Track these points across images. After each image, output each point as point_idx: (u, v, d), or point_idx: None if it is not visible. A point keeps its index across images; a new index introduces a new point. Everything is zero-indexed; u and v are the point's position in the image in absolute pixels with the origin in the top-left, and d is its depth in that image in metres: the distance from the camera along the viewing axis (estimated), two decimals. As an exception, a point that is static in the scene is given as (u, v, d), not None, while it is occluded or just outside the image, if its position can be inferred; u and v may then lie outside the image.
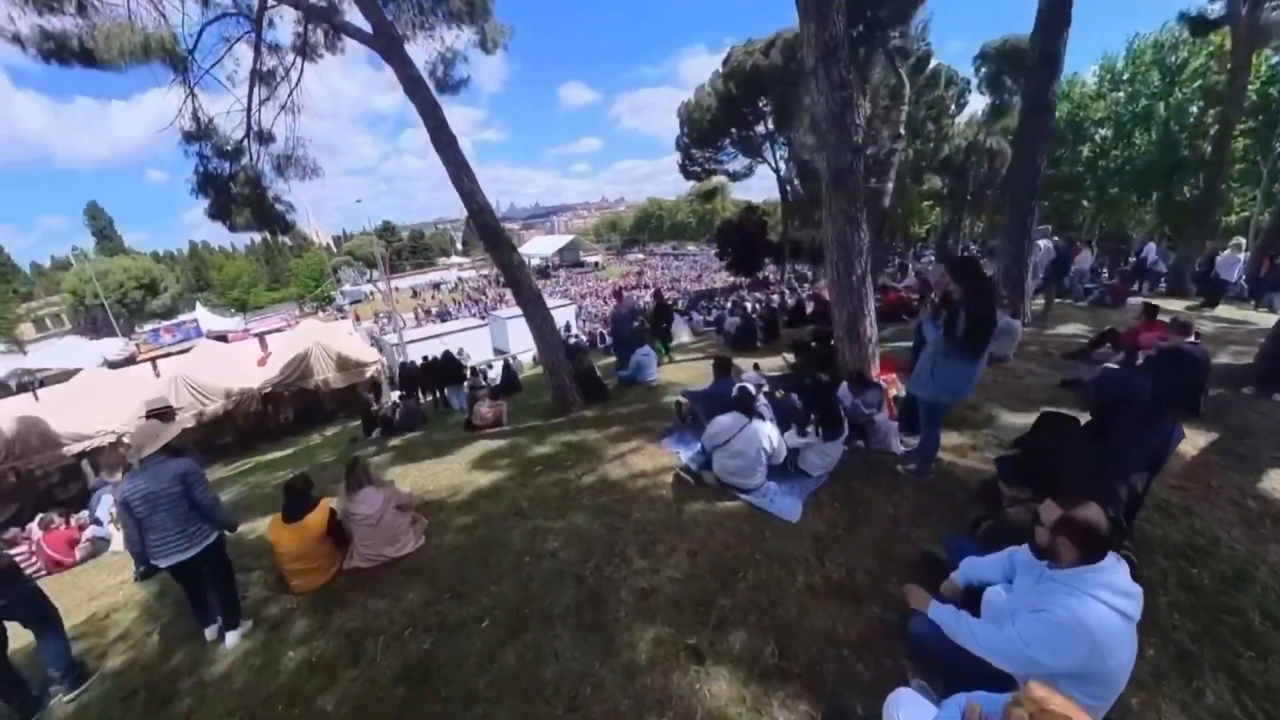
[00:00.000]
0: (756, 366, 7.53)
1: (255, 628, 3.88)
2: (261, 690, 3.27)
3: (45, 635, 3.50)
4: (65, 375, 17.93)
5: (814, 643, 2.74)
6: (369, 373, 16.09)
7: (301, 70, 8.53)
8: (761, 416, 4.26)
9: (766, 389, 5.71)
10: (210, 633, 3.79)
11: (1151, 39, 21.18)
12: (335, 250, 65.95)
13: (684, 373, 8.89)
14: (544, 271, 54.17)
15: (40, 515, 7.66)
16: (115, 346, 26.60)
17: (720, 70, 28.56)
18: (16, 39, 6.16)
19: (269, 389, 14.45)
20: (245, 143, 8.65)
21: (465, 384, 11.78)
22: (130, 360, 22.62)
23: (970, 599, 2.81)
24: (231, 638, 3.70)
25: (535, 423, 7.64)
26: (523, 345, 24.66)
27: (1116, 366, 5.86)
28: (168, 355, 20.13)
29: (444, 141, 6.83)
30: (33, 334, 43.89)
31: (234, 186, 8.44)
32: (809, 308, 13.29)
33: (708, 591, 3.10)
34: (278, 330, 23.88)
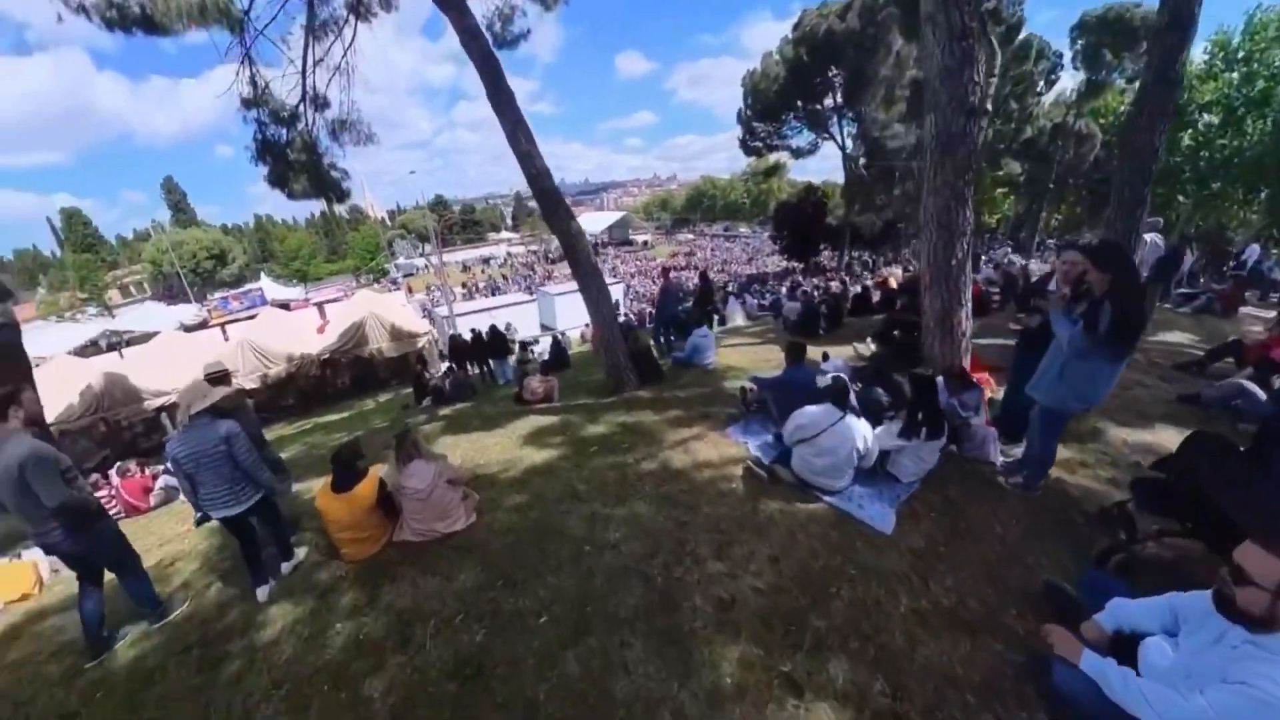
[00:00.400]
0: (826, 356, 6.95)
1: (305, 594, 3.80)
2: (308, 664, 3.13)
3: (127, 575, 3.63)
4: (146, 337, 19.34)
5: (930, 681, 2.31)
6: (420, 343, 16.51)
7: (355, 29, 8.38)
8: (856, 412, 3.77)
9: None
10: (262, 594, 3.79)
11: (1276, 13, 18.45)
12: (390, 224, 68.03)
13: (741, 357, 8.39)
14: (593, 249, 54.06)
15: (118, 464, 8.17)
16: (190, 312, 28.46)
17: (790, 35, 26.89)
18: (82, 8, 6.14)
19: (327, 355, 15.27)
20: (301, 107, 8.63)
21: (513, 358, 11.66)
22: (203, 325, 24.33)
23: (1119, 647, 2.32)
24: (286, 567, 3.94)
25: (587, 400, 7.37)
26: (570, 322, 24.60)
27: (1247, 383, 4.98)
28: (235, 321, 21.35)
29: (501, 98, 6.47)
30: (119, 299, 47.49)
31: (290, 153, 8.47)
32: (874, 296, 12.44)
33: (797, 608, 2.70)
34: (335, 300, 24.85)
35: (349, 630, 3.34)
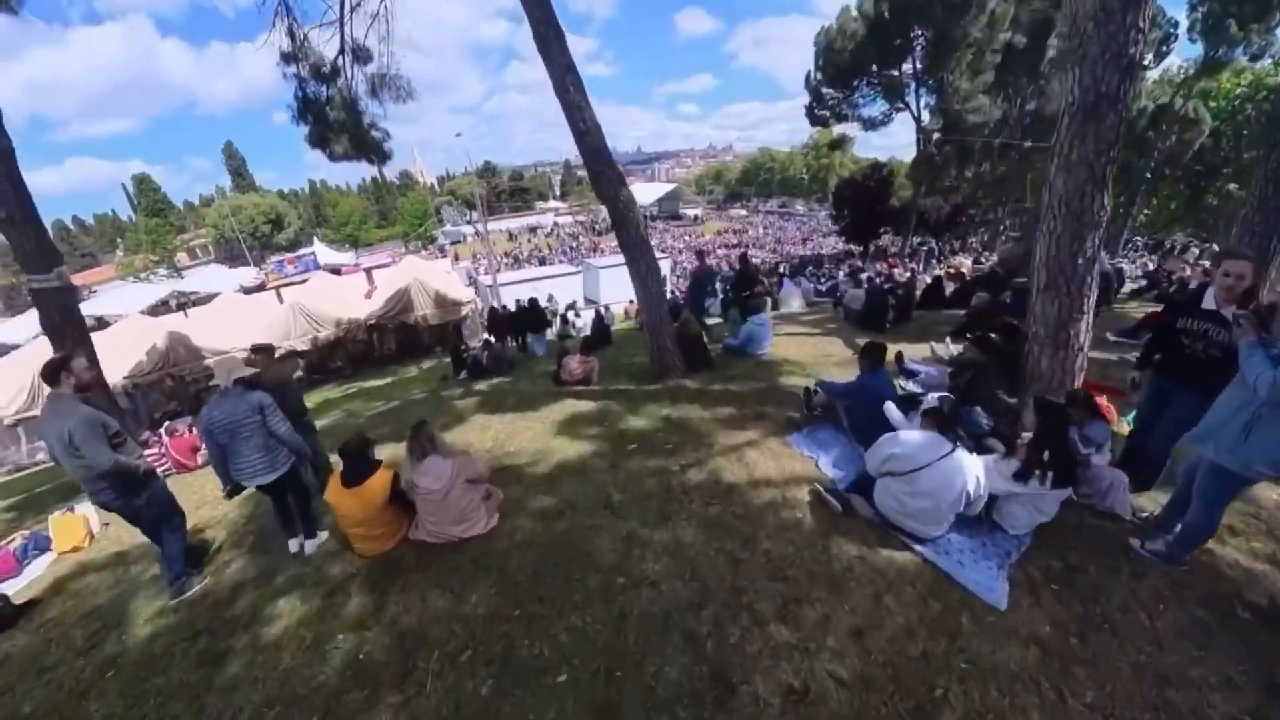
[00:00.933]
0: (901, 357, 6.10)
1: (315, 589, 3.57)
2: (303, 682, 2.83)
3: (167, 537, 3.74)
4: (208, 298, 20.45)
5: None
6: (464, 312, 16.44)
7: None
8: (967, 445, 3.02)
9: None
10: (294, 544, 3.99)
11: None
12: (438, 190, 68.47)
13: (798, 349, 7.58)
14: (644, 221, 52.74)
15: (167, 423, 8.31)
16: (249, 275, 29.55)
17: (872, -10, 24.32)
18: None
19: (373, 320, 15.52)
20: (340, 59, 8.25)
21: (550, 331, 11.20)
22: (260, 287, 25.34)
23: None
24: (310, 545, 3.96)
25: (628, 386, 6.80)
26: (615, 296, 23.99)
27: None
28: (290, 285, 22.07)
29: (550, 35, 5.69)
30: (187, 261, 50.25)
31: (330, 111, 8.16)
32: (947, 287, 11.21)
33: (895, 716, 2.07)
34: (384, 266, 25.15)
35: (350, 646, 2.99)
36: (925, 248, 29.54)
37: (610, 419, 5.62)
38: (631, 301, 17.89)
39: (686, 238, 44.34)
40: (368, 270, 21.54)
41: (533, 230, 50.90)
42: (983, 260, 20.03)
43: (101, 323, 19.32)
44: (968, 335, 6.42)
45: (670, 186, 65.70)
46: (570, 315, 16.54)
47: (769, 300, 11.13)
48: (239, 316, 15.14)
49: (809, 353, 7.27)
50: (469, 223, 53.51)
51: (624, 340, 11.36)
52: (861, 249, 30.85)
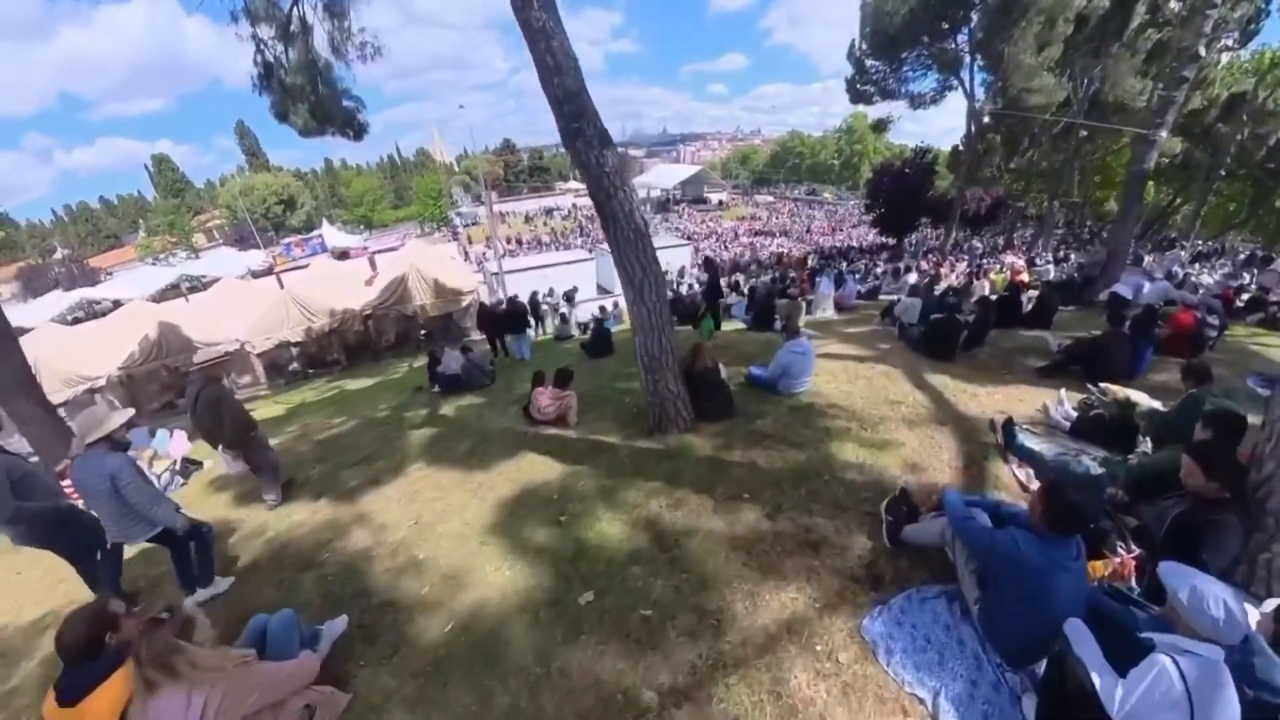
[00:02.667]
0: (1008, 430, 4.09)
1: None
2: None
3: (99, 567, 3.51)
4: (214, 283, 19.51)
5: None
6: (465, 302, 15.05)
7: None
8: None
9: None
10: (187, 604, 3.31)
11: None
12: (456, 169, 66.31)
13: (846, 381, 5.54)
14: (664, 205, 50.09)
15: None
16: (258, 258, 28.49)
17: (929, -53, 21.16)
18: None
19: (369, 311, 14.44)
20: (295, 9, 6.57)
21: (543, 327, 9.32)
22: (269, 271, 24.29)
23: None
24: (200, 594, 3.53)
25: (613, 438, 4.93)
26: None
27: None
28: (297, 268, 20.90)
29: None
30: (204, 243, 49.17)
31: (288, 76, 6.94)
32: (1025, 301, 8.99)
33: None
34: (390, 250, 23.65)
35: None
36: (969, 244, 26.69)
37: (572, 510, 3.77)
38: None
39: (709, 223, 41.84)
40: (371, 256, 20.17)
41: (549, 212, 48.73)
42: (1036, 262, 17.43)
43: (117, 306, 18.80)
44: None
45: (694, 169, 62.47)
46: (566, 309, 14.61)
47: (801, 308, 9.07)
48: (235, 304, 14.47)
49: (863, 393, 5.26)
50: (483, 204, 51.47)
51: (629, 347, 9.49)
52: (896, 242, 28.15)
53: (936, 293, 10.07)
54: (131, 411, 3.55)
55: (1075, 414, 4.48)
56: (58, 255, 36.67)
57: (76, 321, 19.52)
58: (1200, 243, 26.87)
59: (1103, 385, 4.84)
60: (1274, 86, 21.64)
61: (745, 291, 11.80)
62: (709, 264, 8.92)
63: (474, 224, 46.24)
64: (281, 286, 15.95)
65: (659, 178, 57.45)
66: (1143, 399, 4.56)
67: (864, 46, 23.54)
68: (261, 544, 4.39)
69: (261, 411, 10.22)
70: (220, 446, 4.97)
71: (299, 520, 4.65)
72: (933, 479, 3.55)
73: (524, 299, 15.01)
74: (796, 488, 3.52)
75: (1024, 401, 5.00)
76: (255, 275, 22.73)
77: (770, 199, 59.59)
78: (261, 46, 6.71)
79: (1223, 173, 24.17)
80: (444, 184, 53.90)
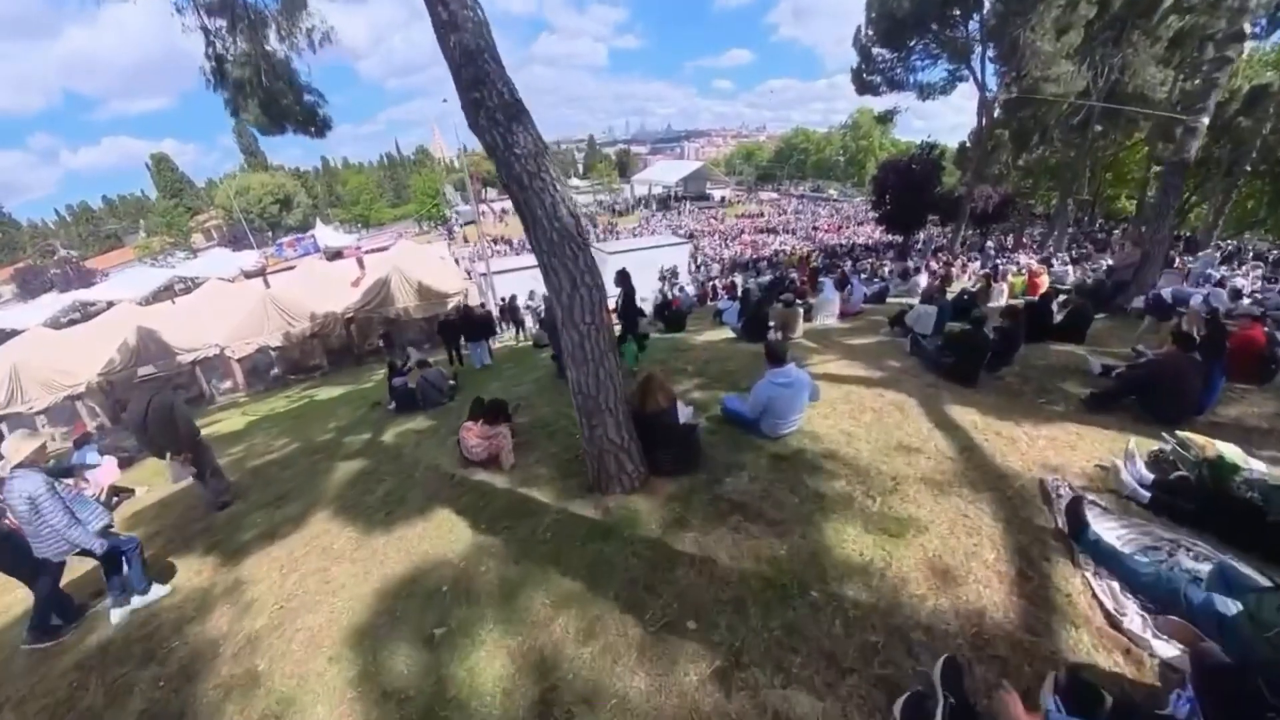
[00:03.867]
0: (1076, 512, 2.92)
1: None
2: None
3: (36, 585, 3.49)
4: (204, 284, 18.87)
5: None
6: (450, 304, 14.08)
7: None
8: None
9: None
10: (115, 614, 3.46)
11: None
12: (456, 166, 65.27)
13: (849, 416, 4.42)
14: (664, 202, 48.69)
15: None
16: (251, 258, 27.80)
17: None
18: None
19: (350, 314, 13.76)
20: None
21: (495, 340, 8.16)
22: (261, 272, 23.66)
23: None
24: (118, 614, 3.48)
25: (545, 497, 3.80)
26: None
27: None
28: (287, 269, 20.25)
29: None
30: (202, 243, 48.42)
31: (234, 70, 6.22)
32: (1056, 311, 7.72)
33: None
34: (382, 250, 22.69)
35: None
36: (983, 244, 25.31)
37: (456, 618, 2.69)
38: (659, 293, 14.47)
39: (711, 221, 40.45)
40: (359, 256, 19.30)
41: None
42: (1053, 263, 16.03)
43: (111, 309, 18.29)
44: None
45: (696, 165, 60.92)
46: (528, 315, 13.44)
47: (798, 315, 7.87)
48: (219, 307, 13.72)
49: (870, 436, 4.08)
50: (482, 201, 50.62)
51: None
52: (903, 240, 26.84)
53: (950, 297, 8.85)
54: (43, 439, 3.56)
55: (1151, 476, 3.31)
56: (59, 255, 35.81)
57: (72, 323, 18.94)
58: (1223, 243, 25.41)
59: (1181, 435, 3.64)
60: None
61: (740, 294, 10.59)
62: (621, 278, 7.68)
63: (471, 223, 45.26)
64: (268, 287, 15.22)
65: (660, 174, 56.04)
66: (1236, 454, 3.38)
67: (870, 34, 22.10)
68: (125, 613, 3.53)
69: (225, 425, 9.64)
70: (168, 455, 4.94)
71: (177, 584, 3.81)
72: (974, 595, 2.39)
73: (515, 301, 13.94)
74: (769, 615, 2.37)
75: (1077, 450, 3.83)
76: (248, 276, 22.00)
77: (775, 195, 58.09)
78: (210, 38, 5.95)
79: (1248, 168, 22.67)
80: (441, 182, 52.70)
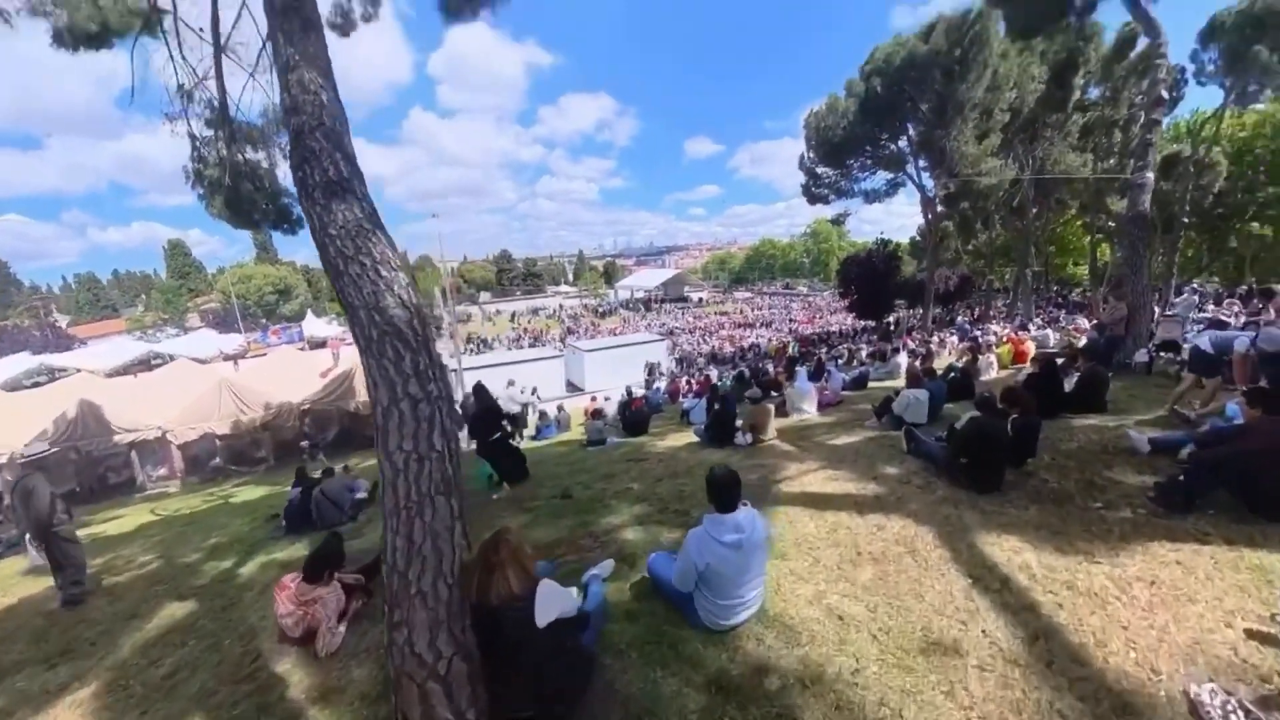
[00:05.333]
0: None
1: None
2: None
3: None
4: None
5: None
6: None
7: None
8: None
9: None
10: None
11: None
12: (450, 274, 68.60)
13: (841, 573, 2.79)
14: (646, 304, 49.70)
15: None
16: (236, 341, 27.22)
17: (861, 69, 21.75)
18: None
19: (308, 405, 12.39)
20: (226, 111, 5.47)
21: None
22: (241, 355, 23.43)
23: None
24: None
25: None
26: (602, 384, 19.60)
27: None
28: (263, 355, 19.29)
29: None
30: (196, 323, 48.55)
31: (206, 169, 6.45)
32: (1067, 379, 6.32)
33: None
34: None
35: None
36: (958, 317, 25.09)
37: None
38: (594, 397, 12.84)
39: (690, 319, 40.60)
40: (336, 348, 18.29)
41: (535, 311, 48.26)
42: (1029, 328, 15.18)
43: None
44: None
45: (675, 271, 63.55)
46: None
47: (769, 412, 6.39)
48: (176, 387, 12.71)
49: (876, 618, 2.43)
50: (475, 303, 51.99)
51: (557, 467, 6.69)
52: (876, 324, 26.67)
53: (938, 375, 7.51)
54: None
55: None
56: (49, 318, 35.13)
57: (36, 385, 17.66)
58: (1197, 287, 25.66)
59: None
60: (1207, 142, 21.31)
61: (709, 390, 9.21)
62: (478, 391, 6.43)
63: (464, 321, 46.28)
64: (236, 368, 14.45)
65: (642, 280, 58.08)
66: None
67: (813, 156, 23.75)
68: None
69: (127, 520, 8.17)
70: (27, 536, 4.81)
71: None
72: None
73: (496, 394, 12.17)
74: None
75: (1198, 596, 2.27)
76: (227, 358, 21.01)
77: (749, 294, 59.75)
78: (196, 145, 6.14)
79: (1185, 221, 23.31)
80: (440, 283, 54.91)
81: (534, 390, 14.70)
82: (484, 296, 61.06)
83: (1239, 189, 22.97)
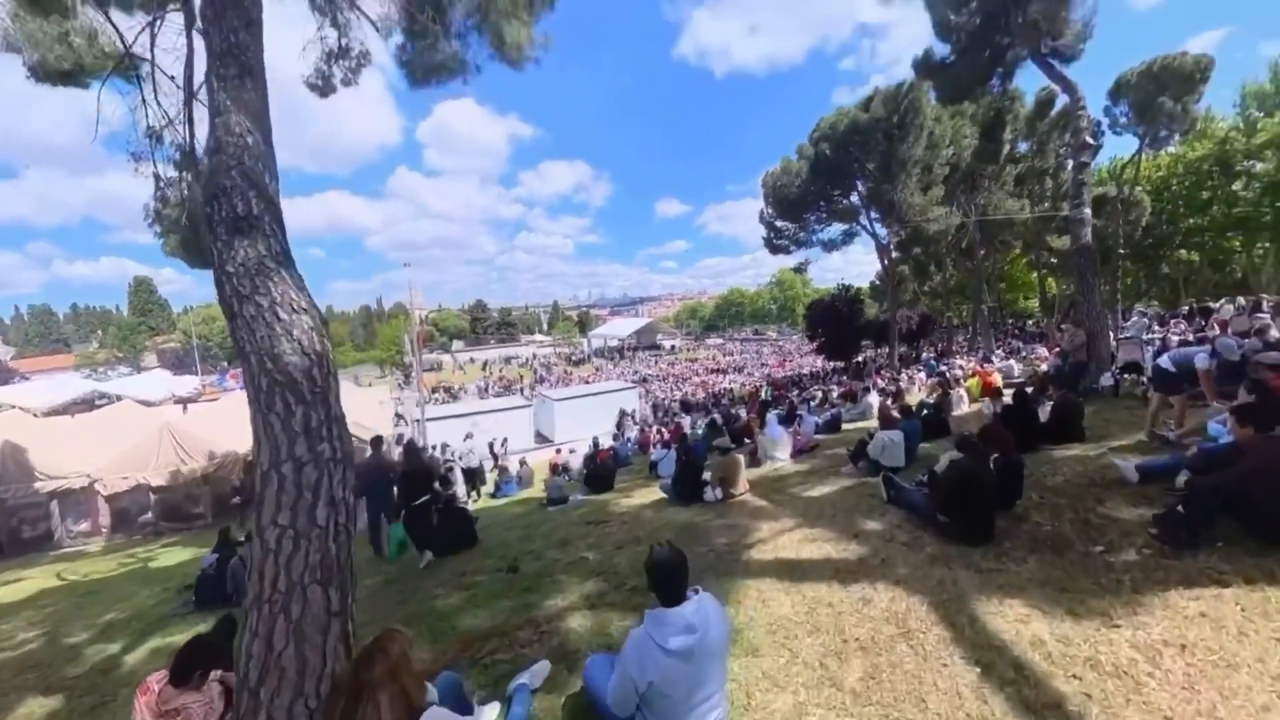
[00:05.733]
0: None
1: None
2: None
3: None
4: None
5: None
6: (370, 452, 11.51)
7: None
8: None
9: None
10: None
11: None
12: (424, 323, 68.21)
13: (826, 675, 2.28)
14: (619, 352, 49.51)
15: None
16: (190, 384, 25.25)
17: (810, 136, 23.39)
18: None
19: (252, 457, 10.31)
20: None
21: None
22: (194, 399, 21.45)
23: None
24: None
25: None
26: (572, 434, 18.82)
27: None
28: (216, 399, 17.77)
29: None
30: (154, 363, 45.72)
31: (164, 207, 6.34)
32: (1041, 408, 6.09)
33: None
34: None
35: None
36: (923, 354, 25.69)
37: None
38: (560, 450, 12.03)
39: (662, 366, 40.42)
40: None
41: (508, 360, 47.43)
42: (993, 359, 15.44)
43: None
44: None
45: (646, 320, 64.33)
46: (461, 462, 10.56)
47: (740, 464, 5.91)
48: (115, 430, 11.52)
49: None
50: (446, 351, 51.00)
51: (509, 531, 5.96)
52: (845, 365, 27.04)
53: (911, 414, 7.24)
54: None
55: None
56: None
57: None
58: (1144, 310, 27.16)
59: None
60: (1129, 183, 23.36)
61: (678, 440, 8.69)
62: (408, 451, 6.08)
63: (430, 369, 45.00)
64: (185, 413, 13.14)
65: (615, 329, 58.33)
66: None
67: (771, 211, 24.90)
68: None
69: (26, 584, 7.18)
70: None
71: None
72: None
73: (452, 447, 11.13)
74: None
75: (1238, 660, 1.97)
76: (178, 401, 19.19)
77: (720, 341, 60.59)
78: (160, 185, 6.02)
79: (1121, 252, 24.96)
80: (409, 331, 53.84)
81: (503, 441, 13.87)
82: (457, 345, 60.04)
83: (1163, 222, 25.10)
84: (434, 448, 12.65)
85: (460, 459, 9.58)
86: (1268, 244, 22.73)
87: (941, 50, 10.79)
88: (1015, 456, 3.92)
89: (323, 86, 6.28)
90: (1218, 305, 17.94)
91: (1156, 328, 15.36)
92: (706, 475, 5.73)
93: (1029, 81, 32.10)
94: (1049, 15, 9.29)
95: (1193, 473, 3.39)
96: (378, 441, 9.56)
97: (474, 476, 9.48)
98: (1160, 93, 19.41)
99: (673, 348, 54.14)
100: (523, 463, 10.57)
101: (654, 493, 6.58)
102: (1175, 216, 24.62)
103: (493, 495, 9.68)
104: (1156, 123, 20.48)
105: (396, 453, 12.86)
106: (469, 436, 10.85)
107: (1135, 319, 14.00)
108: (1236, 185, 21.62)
